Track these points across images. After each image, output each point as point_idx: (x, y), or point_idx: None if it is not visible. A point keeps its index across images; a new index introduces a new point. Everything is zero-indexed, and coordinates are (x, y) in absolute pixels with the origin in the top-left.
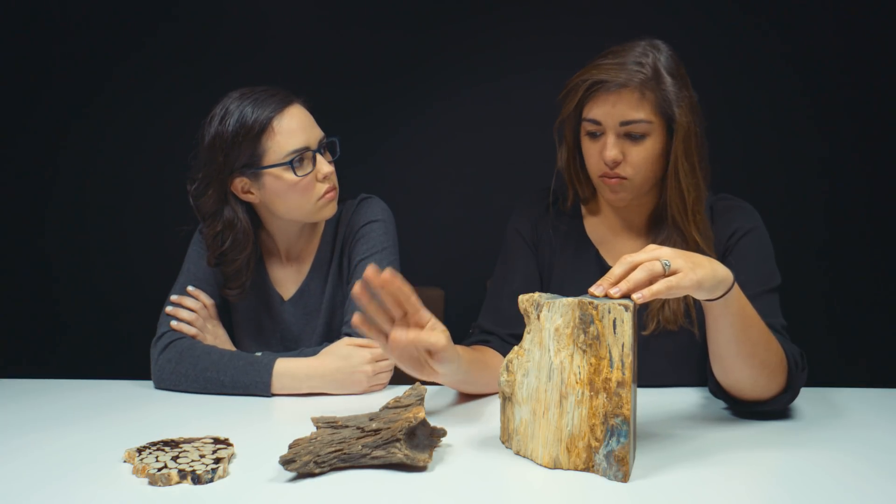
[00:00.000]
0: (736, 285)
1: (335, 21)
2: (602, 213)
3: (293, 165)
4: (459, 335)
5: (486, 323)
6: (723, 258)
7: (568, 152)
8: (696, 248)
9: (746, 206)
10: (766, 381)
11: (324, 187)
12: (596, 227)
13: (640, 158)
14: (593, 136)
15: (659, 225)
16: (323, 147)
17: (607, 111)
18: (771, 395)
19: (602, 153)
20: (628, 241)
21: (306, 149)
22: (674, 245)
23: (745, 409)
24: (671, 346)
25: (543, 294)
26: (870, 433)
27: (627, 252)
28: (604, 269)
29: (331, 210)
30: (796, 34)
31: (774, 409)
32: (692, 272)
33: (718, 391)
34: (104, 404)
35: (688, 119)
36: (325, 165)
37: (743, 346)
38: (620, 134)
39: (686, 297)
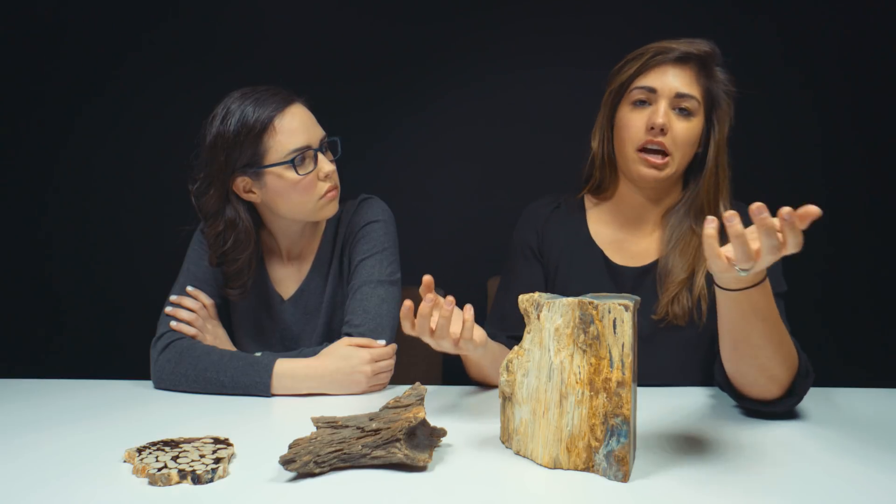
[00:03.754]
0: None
1: (335, 19)
2: (614, 203)
3: (295, 164)
4: None
5: (492, 329)
6: None
7: (601, 132)
8: None
9: None
10: (765, 382)
11: (325, 186)
12: (602, 227)
13: (684, 136)
14: (641, 104)
15: (667, 224)
16: (324, 146)
17: (666, 81)
18: (771, 397)
19: (651, 118)
20: (633, 240)
21: (308, 148)
22: (685, 236)
23: (747, 407)
24: (677, 343)
25: (543, 294)
26: (870, 433)
27: (632, 252)
28: (610, 267)
29: (332, 209)
30: (798, 34)
31: (775, 411)
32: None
33: (724, 384)
34: (104, 404)
35: (730, 112)
36: (326, 164)
37: (743, 345)
38: (672, 106)
39: (695, 293)
